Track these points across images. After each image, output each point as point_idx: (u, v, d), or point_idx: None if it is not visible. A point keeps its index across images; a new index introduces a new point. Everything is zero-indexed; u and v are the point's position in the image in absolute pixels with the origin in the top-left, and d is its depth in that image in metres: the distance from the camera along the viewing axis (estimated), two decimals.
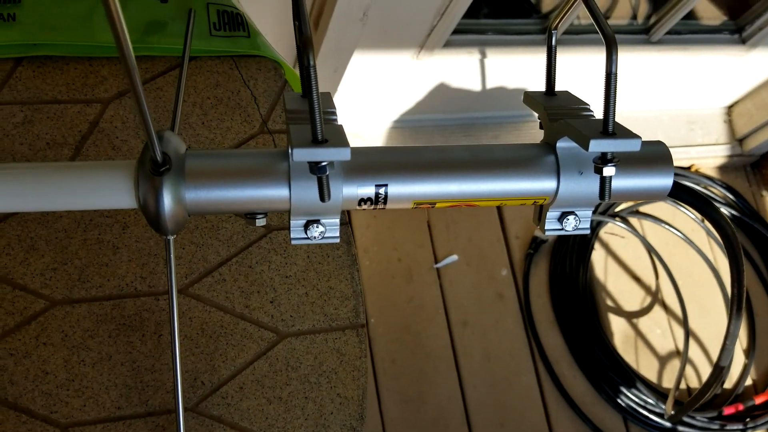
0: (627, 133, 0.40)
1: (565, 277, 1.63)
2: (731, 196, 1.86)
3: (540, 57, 1.43)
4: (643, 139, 0.41)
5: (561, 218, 0.45)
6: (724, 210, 1.85)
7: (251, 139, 0.57)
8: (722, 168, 1.91)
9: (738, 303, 0.64)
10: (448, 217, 1.62)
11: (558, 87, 0.47)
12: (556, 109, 0.45)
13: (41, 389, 0.48)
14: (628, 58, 1.52)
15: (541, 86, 0.47)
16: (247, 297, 0.53)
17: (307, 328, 0.53)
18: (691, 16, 1.55)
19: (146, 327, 0.50)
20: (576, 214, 0.45)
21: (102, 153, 0.53)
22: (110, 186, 0.41)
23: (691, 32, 1.55)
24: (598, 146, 0.39)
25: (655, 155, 0.44)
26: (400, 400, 1.47)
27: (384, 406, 1.46)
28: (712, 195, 1.87)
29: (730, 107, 1.89)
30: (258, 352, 0.52)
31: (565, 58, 1.42)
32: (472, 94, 1.51)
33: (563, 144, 0.43)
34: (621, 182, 0.43)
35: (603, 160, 0.40)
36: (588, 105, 0.46)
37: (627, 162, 0.42)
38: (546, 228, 0.45)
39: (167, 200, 0.39)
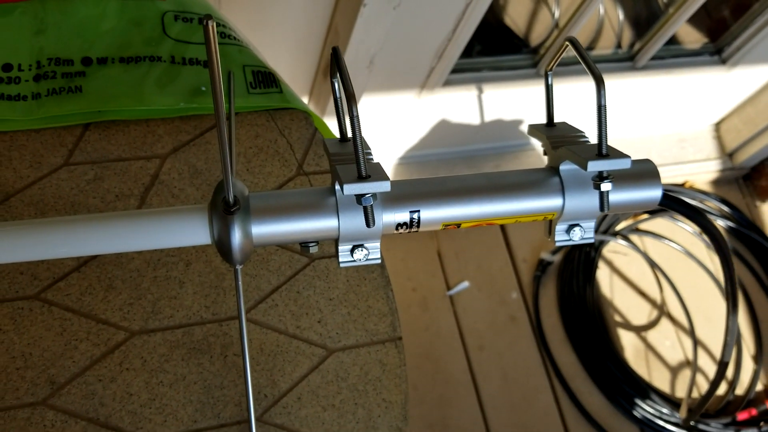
0: (619, 154, 0.47)
1: (573, 297, 1.70)
2: (726, 209, 1.94)
3: (531, 89, 1.52)
4: (633, 159, 0.49)
5: (568, 230, 0.52)
6: (721, 222, 1.93)
7: (290, 181, 0.65)
8: (715, 182, 1.99)
9: (733, 299, 0.71)
10: (457, 245, 1.69)
11: (554, 112, 0.55)
12: (557, 138, 0.53)
13: (127, 409, 0.55)
14: (617, 84, 1.61)
15: (534, 116, 0.55)
16: (298, 319, 0.60)
17: (351, 343, 0.60)
18: (672, 41, 1.65)
19: (213, 350, 0.58)
20: (581, 226, 0.52)
21: (164, 201, 0.61)
22: (188, 227, 0.48)
23: (673, 56, 1.64)
24: (595, 166, 0.46)
25: (645, 171, 0.51)
26: (424, 426, 1.52)
27: None
28: (708, 209, 1.94)
29: (718, 124, 1.98)
30: (311, 367, 0.59)
31: (558, 87, 1.51)
32: (471, 128, 1.60)
33: (565, 167, 0.50)
34: (617, 196, 0.50)
35: (600, 177, 0.47)
36: (584, 132, 0.53)
37: (621, 178, 0.50)
38: (556, 239, 0.53)
39: (237, 235, 0.46)
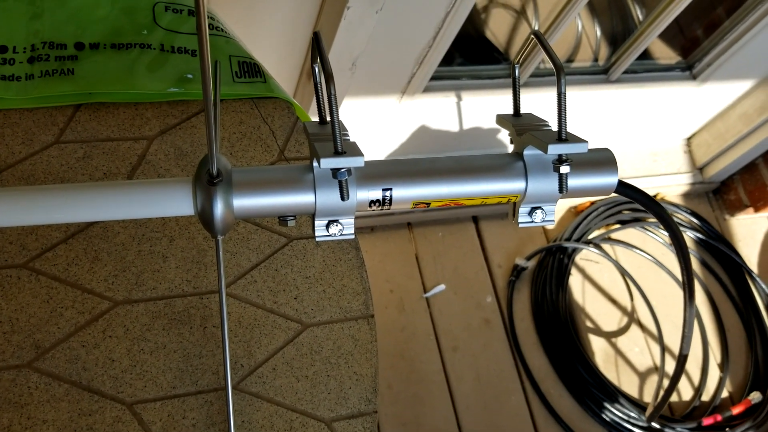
0: (577, 139, 0.51)
1: (546, 302, 1.74)
2: (696, 221, 2.00)
3: (509, 97, 1.56)
4: (592, 147, 0.52)
5: (531, 213, 0.56)
6: (691, 234, 1.98)
7: (271, 165, 0.68)
8: (686, 195, 2.05)
9: (689, 290, 0.75)
10: (434, 249, 1.73)
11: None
12: (522, 125, 0.56)
13: (109, 374, 0.57)
14: (591, 95, 1.66)
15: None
16: (275, 295, 0.63)
17: (326, 319, 0.64)
18: (646, 56, 1.71)
19: (193, 321, 0.60)
20: (543, 209, 0.56)
21: None
22: (173, 197, 0.51)
23: (646, 71, 1.70)
24: (554, 149, 0.50)
25: (603, 159, 0.55)
26: (398, 423, 1.55)
27: (383, 430, 1.54)
28: (679, 221, 2.00)
29: (689, 139, 2.04)
30: (286, 340, 0.62)
31: (535, 95, 1.56)
32: (450, 134, 1.64)
33: (529, 152, 0.54)
34: (575, 180, 0.54)
35: (559, 160, 0.51)
36: (547, 122, 0.57)
37: (580, 164, 0.53)
38: (519, 221, 0.56)
39: (219, 206, 0.49)
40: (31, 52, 0.65)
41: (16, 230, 0.60)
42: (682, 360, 0.82)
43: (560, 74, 0.50)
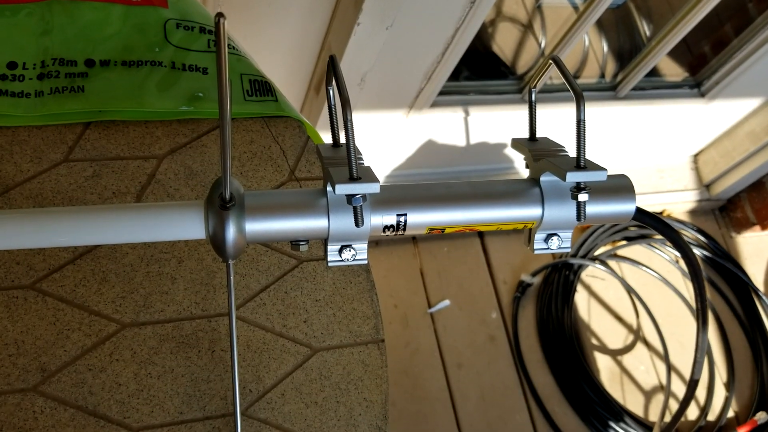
0: (596, 167, 0.50)
1: (551, 319, 1.72)
2: (703, 239, 1.99)
3: (517, 113, 1.56)
4: (610, 173, 0.51)
5: (546, 239, 0.55)
6: (697, 251, 1.97)
7: (281, 185, 0.67)
8: (692, 212, 2.04)
9: (703, 316, 0.74)
10: (439, 264, 1.72)
11: (538, 134, 0.58)
12: (539, 151, 0.56)
13: (116, 398, 0.56)
14: (599, 112, 1.66)
15: (521, 136, 0.58)
16: (284, 318, 0.62)
17: (335, 344, 0.62)
18: (654, 73, 1.70)
19: (201, 344, 0.59)
20: (559, 236, 0.55)
21: (159, 200, 0.63)
22: (185, 221, 0.50)
23: (654, 88, 1.70)
24: (573, 177, 0.49)
25: (621, 186, 0.54)
26: None
27: None
28: (685, 238, 1.99)
29: (696, 156, 2.04)
30: (296, 364, 0.61)
31: (543, 111, 1.55)
32: (457, 149, 1.64)
33: (546, 178, 0.53)
34: (593, 208, 0.53)
35: (578, 188, 0.50)
36: (563, 147, 0.56)
37: (597, 191, 0.52)
38: (535, 248, 0.55)
39: (232, 230, 0.48)
40: (41, 68, 0.65)
41: (23, 250, 0.59)
42: (693, 385, 0.81)
43: (580, 101, 0.49)
